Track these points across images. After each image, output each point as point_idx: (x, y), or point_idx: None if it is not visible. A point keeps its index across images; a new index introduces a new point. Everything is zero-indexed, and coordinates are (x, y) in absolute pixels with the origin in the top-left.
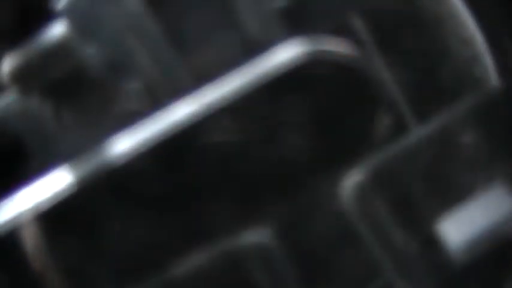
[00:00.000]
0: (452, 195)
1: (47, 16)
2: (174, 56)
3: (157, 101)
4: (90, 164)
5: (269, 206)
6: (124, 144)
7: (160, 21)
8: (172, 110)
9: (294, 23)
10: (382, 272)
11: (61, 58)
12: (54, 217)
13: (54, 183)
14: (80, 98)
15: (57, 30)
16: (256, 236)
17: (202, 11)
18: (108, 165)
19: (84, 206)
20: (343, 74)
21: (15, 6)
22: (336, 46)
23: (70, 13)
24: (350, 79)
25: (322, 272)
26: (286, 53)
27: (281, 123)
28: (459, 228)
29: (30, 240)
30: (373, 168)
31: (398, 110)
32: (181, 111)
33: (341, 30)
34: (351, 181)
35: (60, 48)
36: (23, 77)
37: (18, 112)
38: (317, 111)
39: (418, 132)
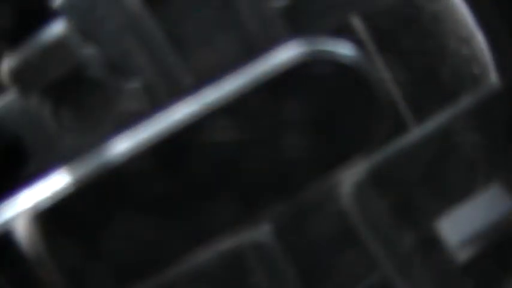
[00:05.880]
0: (452, 194)
1: (46, 16)
2: (174, 56)
3: (157, 101)
4: (90, 164)
5: (269, 206)
6: (124, 144)
7: (160, 21)
8: (172, 110)
9: (294, 23)
10: (382, 271)
11: (60, 58)
12: (53, 217)
13: (54, 183)
14: (80, 98)
15: (57, 29)
16: (256, 236)
17: (203, 10)
18: (108, 165)
19: (83, 206)
20: (343, 74)
21: (14, 6)
22: (336, 46)
23: (69, 13)
24: (350, 79)
25: (322, 271)
26: (286, 53)
27: (281, 123)
28: (458, 227)
29: (30, 240)
30: (372, 168)
31: (398, 110)
32: (181, 111)
33: (341, 30)
34: (351, 181)
35: (60, 48)
36: (22, 77)
37: (18, 112)
38: (317, 111)
39: (418, 132)
